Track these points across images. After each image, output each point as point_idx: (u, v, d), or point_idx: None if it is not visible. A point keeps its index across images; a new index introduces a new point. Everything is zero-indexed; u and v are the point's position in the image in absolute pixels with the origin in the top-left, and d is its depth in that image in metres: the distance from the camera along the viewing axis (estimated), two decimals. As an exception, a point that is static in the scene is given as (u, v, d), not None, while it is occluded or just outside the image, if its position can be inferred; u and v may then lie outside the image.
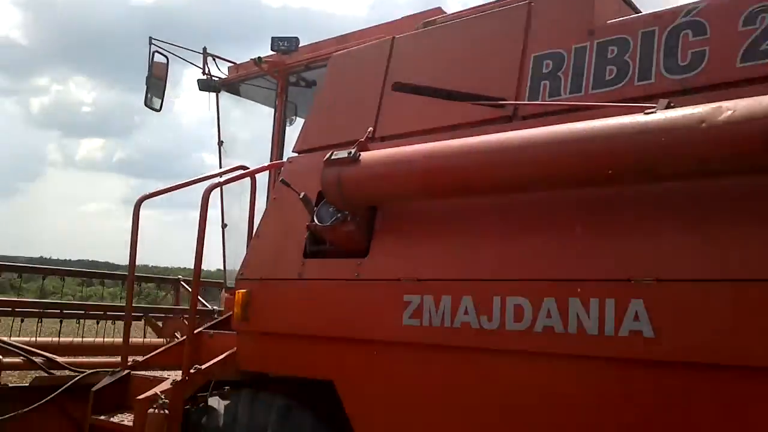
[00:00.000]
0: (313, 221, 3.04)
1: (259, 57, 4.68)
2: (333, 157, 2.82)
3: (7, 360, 4.05)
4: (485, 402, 2.52)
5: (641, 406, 2.16)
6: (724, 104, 1.91)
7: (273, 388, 3.45)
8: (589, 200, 2.34)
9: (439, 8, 4.52)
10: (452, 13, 4.08)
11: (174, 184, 4.02)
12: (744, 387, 1.98)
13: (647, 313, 2.14)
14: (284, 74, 4.88)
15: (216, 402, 3.17)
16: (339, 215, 2.95)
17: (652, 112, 2.05)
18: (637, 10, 2.89)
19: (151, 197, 3.93)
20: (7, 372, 4.19)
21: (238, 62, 5.22)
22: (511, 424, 2.45)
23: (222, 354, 3.46)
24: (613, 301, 2.20)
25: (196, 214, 3.41)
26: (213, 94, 5.14)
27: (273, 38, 4.52)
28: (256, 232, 3.54)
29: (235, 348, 3.43)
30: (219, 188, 4.62)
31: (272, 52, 4.69)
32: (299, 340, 3.14)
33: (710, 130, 1.88)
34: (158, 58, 4.73)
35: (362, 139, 2.88)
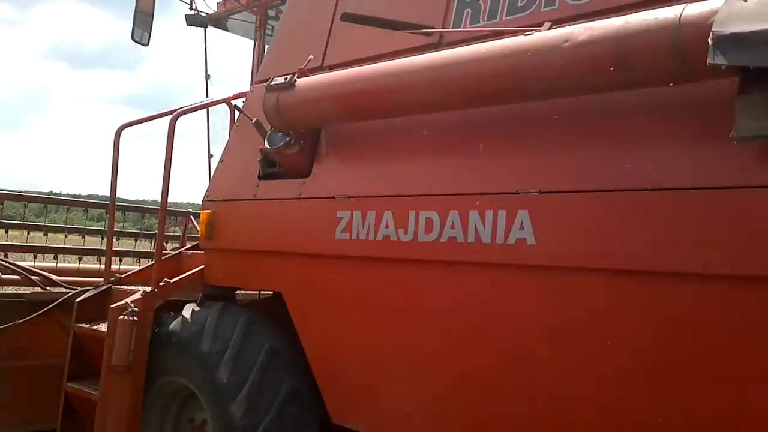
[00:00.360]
0: (266, 146, 3.28)
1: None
2: (273, 83, 3.03)
3: (6, 277, 4.46)
4: (406, 307, 2.77)
5: (528, 307, 2.39)
6: (588, 25, 2.06)
7: (242, 304, 3.77)
8: (486, 120, 2.52)
9: None
10: None
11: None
12: (610, 288, 2.18)
13: (531, 223, 2.34)
14: (263, 8, 5.04)
15: (188, 312, 3.49)
16: (286, 139, 3.18)
17: (529, 35, 2.20)
18: None
19: (132, 125, 4.19)
20: (8, 288, 4.59)
21: (225, -3, 5.40)
22: (427, 325, 2.70)
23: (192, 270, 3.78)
24: (504, 213, 2.41)
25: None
26: (199, 30, 5.34)
27: None
28: (221, 157, 3.80)
29: (203, 265, 3.74)
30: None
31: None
32: (254, 256, 3.43)
33: (573, 48, 2.04)
34: (142, -8, 4.94)
35: (302, 66, 3.08)
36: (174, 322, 3.50)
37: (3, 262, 4.46)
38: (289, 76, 2.99)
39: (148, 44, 5.07)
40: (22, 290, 4.53)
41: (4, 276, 4.47)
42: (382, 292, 2.85)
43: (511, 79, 2.22)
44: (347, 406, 2.98)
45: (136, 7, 4.96)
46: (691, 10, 1.85)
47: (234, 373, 3.14)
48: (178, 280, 3.69)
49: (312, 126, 3.09)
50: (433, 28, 2.90)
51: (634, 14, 1.98)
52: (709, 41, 1.71)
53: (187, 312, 3.49)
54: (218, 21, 5.42)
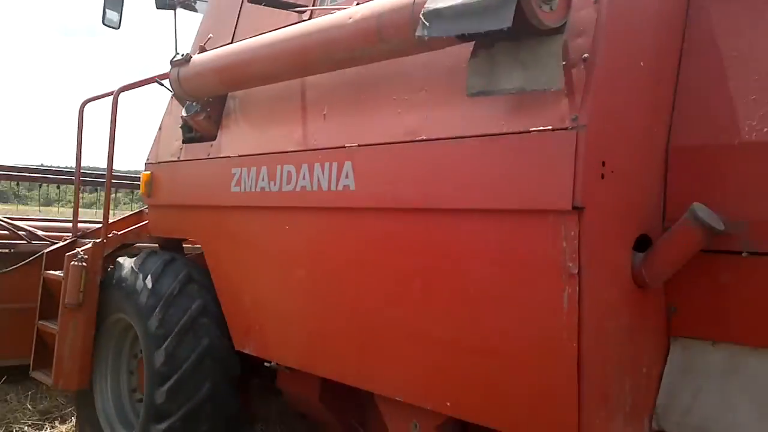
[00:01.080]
0: (183, 114, 3.80)
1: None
2: (174, 59, 3.54)
3: None
4: (277, 248, 3.27)
5: (353, 243, 2.85)
6: (363, 5, 2.48)
7: (190, 257, 4.31)
8: (323, 87, 2.97)
9: None
10: None
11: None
12: (406, 224, 2.62)
13: (353, 172, 2.79)
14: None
15: (123, 259, 4.08)
16: (197, 108, 3.69)
17: (333, 14, 2.63)
18: None
19: (95, 100, 4.76)
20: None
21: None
22: (290, 262, 3.18)
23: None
24: (336, 164, 2.86)
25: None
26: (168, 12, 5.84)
27: None
28: (159, 125, 4.34)
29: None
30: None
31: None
32: (179, 210, 3.99)
33: (353, 24, 2.47)
34: (113, -23, 5.47)
35: (202, 44, 3.58)
36: (124, 268, 4.09)
37: None
38: (186, 53, 3.49)
39: (119, 28, 5.63)
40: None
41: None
42: (262, 237, 3.36)
43: (320, 51, 2.66)
44: (243, 335, 3.51)
45: (104, -9, 5.50)
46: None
47: (161, 326, 3.67)
48: (124, 232, 4.29)
49: (207, 95, 3.59)
50: (305, 6, 3.35)
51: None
52: (420, 16, 2.12)
53: (137, 261, 4.06)
54: (187, 3, 5.91)
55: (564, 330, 2.08)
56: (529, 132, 2.14)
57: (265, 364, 3.39)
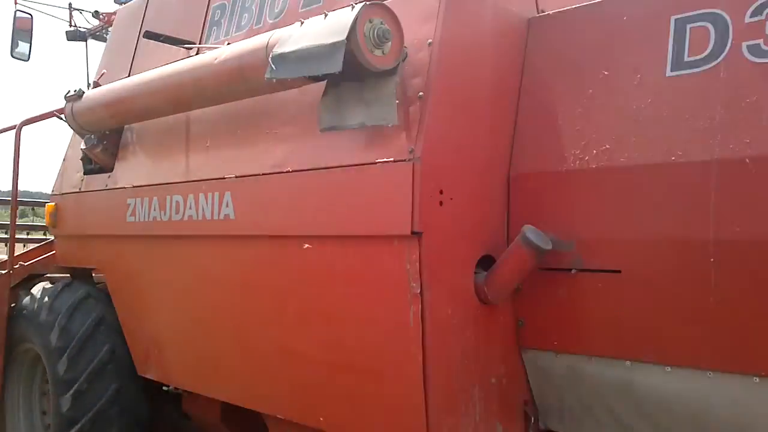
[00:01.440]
0: (82, 146, 3.89)
1: (96, 11, 5.43)
2: (67, 94, 3.63)
3: None
4: (169, 276, 3.39)
5: (234, 268, 2.99)
6: (228, 47, 2.64)
7: (86, 281, 4.37)
8: (206, 121, 3.12)
9: None
10: None
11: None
12: (276, 249, 2.77)
13: (232, 201, 2.93)
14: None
15: (36, 289, 4.12)
16: (94, 140, 3.78)
17: (206, 53, 2.79)
18: None
19: (33, 122, 4.69)
20: None
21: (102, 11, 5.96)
22: (182, 289, 3.30)
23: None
24: (218, 194, 3.00)
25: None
26: (81, 44, 5.91)
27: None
28: (63, 157, 4.40)
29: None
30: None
31: (116, 5, 5.43)
32: (81, 239, 4.06)
33: (218, 65, 2.63)
34: (21, 14, 5.53)
35: (96, 80, 3.68)
36: (27, 297, 4.13)
37: None
38: (79, 88, 3.60)
39: (28, 60, 5.67)
40: None
41: None
42: (155, 265, 3.47)
43: (193, 88, 2.81)
44: (144, 361, 3.61)
45: (13, 26, 5.55)
46: (276, 35, 2.43)
47: (61, 338, 3.76)
48: (31, 263, 4.33)
49: (99, 129, 3.69)
50: (194, 43, 3.49)
51: (252, 38, 2.56)
52: (269, 60, 2.29)
53: (36, 289, 4.11)
54: (98, 35, 5.99)
55: (411, 345, 2.27)
56: (374, 164, 2.33)
57: (163, 388, 3.49)
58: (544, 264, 2.40)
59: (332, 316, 2.54)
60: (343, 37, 2.09)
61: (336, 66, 2.10)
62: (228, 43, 2.81)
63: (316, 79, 2.36)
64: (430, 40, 2.33)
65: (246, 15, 3.23)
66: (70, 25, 5.88)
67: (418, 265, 2.24)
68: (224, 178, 2.97)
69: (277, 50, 2.28)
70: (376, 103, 2.27)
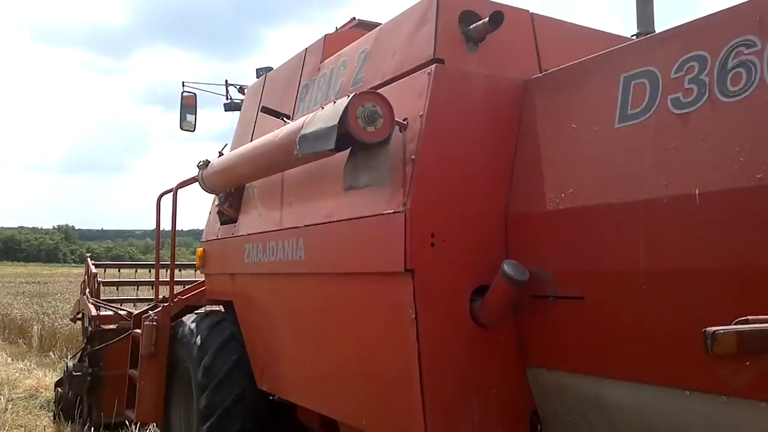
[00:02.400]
0: (216, 203, 4.89)
1: (241, 86, 6.51)
2: (199, 163, 4.63)
3: (102, 313, 6.52)
4: (273, 304, 4.19)
5: (307, 297, 3.71)
6: (287, 127, 3.39)
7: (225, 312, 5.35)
8: (289, 181, 3.90)
9: None
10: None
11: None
12: (331, 285, 3.44)
13: (303, 245, 3.66)
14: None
15: (186, 319, 5.18)
16: (222, 198, 4.75)
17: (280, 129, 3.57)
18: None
19: (185, 185, 5.89)
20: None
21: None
22: (282, 316, 4.08)
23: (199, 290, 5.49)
24: (294, 240, 3.75)
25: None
26: (237, 113, 7.07)
27: (257, 69, 6.29)
28: (209, 210, 5.45)
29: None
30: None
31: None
32: (220, 277, 5.03)
33: (282, 138, 3.38)
34: (187, 93, 6.79)
35: (220, 150, 4.65)
36: (183, 327, 5.19)
37: (101, 304, 6.55)
38: (206, 159, 4.58)
39: (194, 130, 6.92)
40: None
41: (102, 313, 6.53)
42: (262, 297, 4.30)
43: (263, 159, 3.60)
44: (260, 375, 4.43)
45: (181, 103, 6.83)
46: (307, 118, 3.12)
47: (200, 350, 4.70)
48: (186, 297, 5.41)
49: (220, 190, 4.62)
50: (290, 117, 4.32)
51: (297, 120, 3.28)
52: (296, 139, 3.00)
53: (187, 319, 5.15)
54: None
55: (410, 361, 2.80)
56: (381, 215, 2.92)
57: (269, 397, 4.28)
58: (535, 292, 2.81)
59: (357, 334, 3.16)
60: (335, 121, 2.74)
61: (330, 144, 2.75)
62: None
63: (338, 150, 3.01)
64: (421, 113, 2.89)
65: (319, 93, 3.99)
66: (227, 99, 7.09)
67: (412, 296, 2.78)
68: (297, 227, 3.72)
69: (302, 132, 2.99)
70: (375, 167, 2.88)
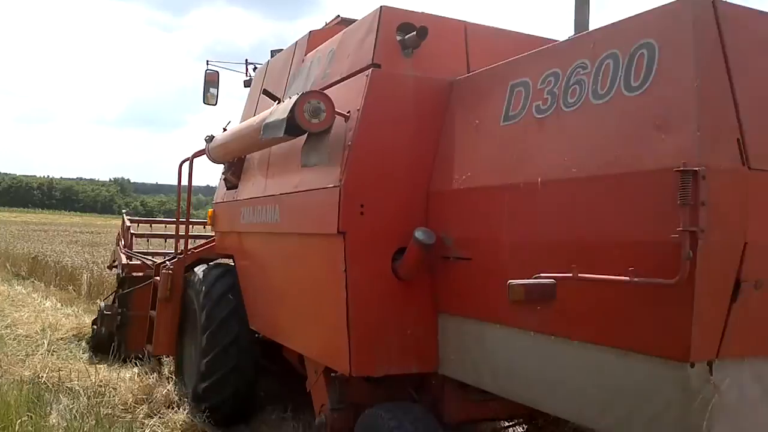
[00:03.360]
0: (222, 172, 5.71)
1: (256, 66, 7.25)
2: (206, 137, 5.44)
3: (132, 262, 7.47)
4: (259, 258, 5.00)
5: (281, 253, 4.50)
6: (262, 114, 4.14)
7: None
8: (271, 156, 4.67)
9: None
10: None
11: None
12: (302, 243, 4.21)
13: (279, 210, 4.44)
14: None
15: (197, 269, 6.04)
16: (225, 168, 5.56)
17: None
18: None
19: (198, 156, 6.75)
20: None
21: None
22: (263, 266, 4.89)
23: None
24: (272, 206, 4.53)
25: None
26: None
27: (271, 51, 7.01)
28: (220, 177, 6.28)
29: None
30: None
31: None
32: (225, 234, 5.87)
33: (257, 123, 4.14)
34: (210, 71, 7.57)
35: (224, 127, 5.45)
36: (194, 276, 6.06)
37: (131, 254, 7.50)
38: (211, 134, 5.38)
39: (216, 104, 7.70)
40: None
41: (131, 262, 7.48)
42: (253, 251, 5.12)
43: (249, 136, 4.37)
44: (251, 317, 5.27)
45: (205, 79, 7.61)
46: (272, 109, 3.86)
47: (205, 297, 5.56)
48: (197, 251, 6.28)
49: (223, 161, 5.43)
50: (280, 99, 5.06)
51: (268, 109, 4.04)
52: (261, 126, 3.75)
53: (198, 270, 6.00)
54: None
55: (341, 305, 3.56)
56: (325, 188, 3.67)
57: (256, 335, 5.12)
58: (444, 253, 3.52)
59: (310, 284, 3.94)
60: (285, 115, 3.48)
61: (280, 132, 3.50)
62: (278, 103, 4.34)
63: (290, 136, 3.75)
64: (359, 108, 3.59)
65: (301, 83, 4.72)
66: (246, 76, 7.83)
67: (344, 253, 3.53)
68: (275, 195, 4.49)
69: (265, 121, 3.74)
70: (321, 150, 3.61)
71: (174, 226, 7.16)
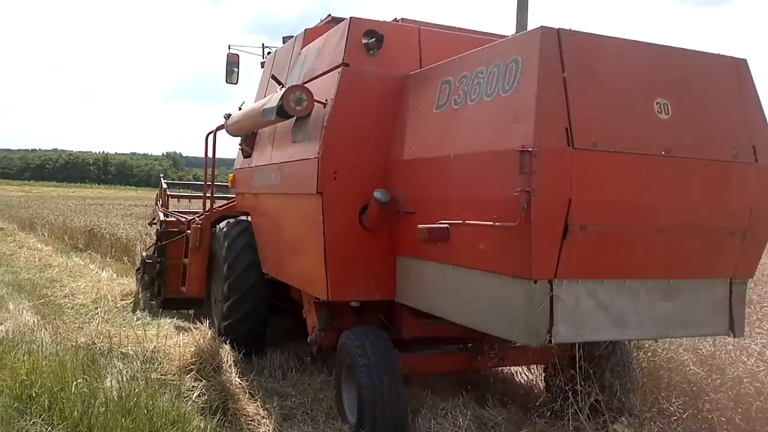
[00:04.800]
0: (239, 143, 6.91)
1: (270, 51, 8.35)
2: (225, 114, 6.62)
3: (168, 219, 8.76)
4: (268, 212, 6.20)
5: (279, 210, 5.69)
6: (262, 100, 5.29)
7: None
8: (275, 132, 5.83)
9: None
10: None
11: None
12: (293, 201, 5.39)
13: (279, 176, 5.61)
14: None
15: (223, 225, 7.28)
16: (241, 139, 6.75)
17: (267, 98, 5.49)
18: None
19: (219, 130, 7.97)
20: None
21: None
22: (272, 219, 6.09)
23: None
24: (275, 172, 5.70)
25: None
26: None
27: (283, 37, 8.09)
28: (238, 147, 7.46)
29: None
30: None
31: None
32: (243, 195, 7.09)
33: (259, 106, 5.29)
34: (231, 53, 8.68)
35: (240, 106, 6.61)
36: (218, 230, 7.30)
37: (168, 212, 8.79)
38: (228, 112, 6.56)
39: (237, 83, 8.82)
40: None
41: (168, 219, 8.76)
42: (263, 208, 6.33)
43: (254, 116, 5.52)
44: (263, 262, 6.49)
45: (227, 61, 8.72)
46: (270, 97, 5.00)
47: (227, 251, 6.80)
48: (221, 209, 7.52)
49: (240, 134, 6.61)
50: (283, 85, 6.19)
51: (268, 96, 5.18)
52: (261, 110, 4.91)
53: (223, 225, 7.24)
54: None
55: (320, 248, 4.74)
56: (307, 159, 4.82)
57: (265, 276, 6.36)
58: (398, 209, 4.65)
59: (298, 229, 5.13)
60: (275, 104, 4.62)
61: (272, 116, 4.66)
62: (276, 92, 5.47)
63: (281, 119, 4.89)
64: (332, 97, 4.71)
65: (297, 73, 5.83)
66: (263, 58, 8.93)
67: (321, 209, 4.68)
68: (276, 163, 5.66)
69: (264, 107, 4.88)
70: (304, 130, 4.76)
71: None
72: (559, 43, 3.46)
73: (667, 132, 3.65)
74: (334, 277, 4.75)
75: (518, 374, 6.37)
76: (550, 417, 4.89)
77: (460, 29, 5.55)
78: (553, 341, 3.47)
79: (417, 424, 4.69)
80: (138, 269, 9.19)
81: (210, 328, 6.85)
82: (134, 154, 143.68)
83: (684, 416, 4.99)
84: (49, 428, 4.23)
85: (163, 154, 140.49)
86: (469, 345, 5.18)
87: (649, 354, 5.69)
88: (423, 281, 4.46)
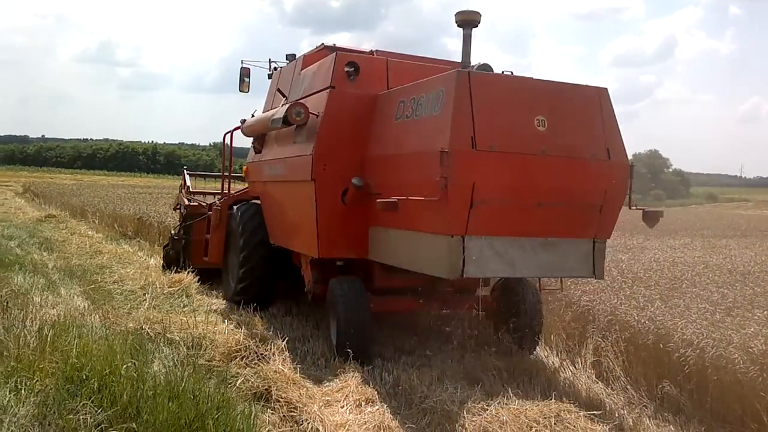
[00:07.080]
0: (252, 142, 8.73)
1: (275, 67, 10.12)
2: (242, 119, 8.44)
3: (191, 203, 10.56)
4: (275, 196, 8.02)
5: (283, 193, 7.51)
6: (270, 111, 7.11)
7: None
8: (279, 134, 7.65)
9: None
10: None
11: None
12: (293, 186, 7.21)
13: (283, 167, 7.42)
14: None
15: (238, 207, 9.08)
16: (254, 139, 8.57)
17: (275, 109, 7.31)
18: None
19: (235, 130, 9.76)
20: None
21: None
22: (279, 200, 7.90)
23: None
24: (281, 165, 7.51)
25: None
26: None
27: (287, 55, 9.86)
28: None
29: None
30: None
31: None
32: (255, 183, 8.91)
33: (268, 116, 7.10)
34: (244, 66, 10.43)
35: (252, 114, 8.43)
36: (235, 211, 9.11)
37: (193, 197, 10.63)
38: (244, 118, 8.39)
39: (248, 92, 10.56)
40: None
41: (191, 203, 10.57)
42: (271, 193, 8.15)
43: (265, 123, 7.34)
44: (271, 234, 8.29)
45: (240, 73, 10.47)
46: (277, 109, 6.83)
47: (243, 228, 8.61)
48: (237, 195, 9.35)
49: (253, 135, 8.42)
50: (287, 98, 7.99)
51: (276, 108, 7.00)
52: (270, 120, 6.73)
53: (238, 207, 9.05)
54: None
55: (313, 220, 6.56)
56: (303, 156, 6.63)
57: (272, 245, 8.17)
58: (370, 191, 6.45)
59: (297, 207, 6.96)
60: (281, 115, 6.44)
61: (279, 124, 6.48)
62: (282, 105, 7.27)
63: (285, 126, 6.70)
64: (322, 111, 6.52)
65: (298, 90, 7.64)
66: (270, 71, 10.70)
67: (314, 191, 6.50)
68: (282, 158, 7.47)
69: (272, 116, 6.70)
70: (302, 134, 6.59)
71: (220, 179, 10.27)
72: (468, 80, 5.27)
73: (543, 139, 5.46)
74: (323, 240, 6.57)
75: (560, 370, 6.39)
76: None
77: (421, 58, 7.38)
78: (464, 275, 5.29)
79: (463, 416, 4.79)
80: (166, 245, 11.02)
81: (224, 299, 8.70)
82: (182, 144, 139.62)
83: (734, 417, 5.02)
84: (99, 410, 4.30)
85: (209, 144, 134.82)
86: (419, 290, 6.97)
87: (698, 351, 5.46)
88: (385, 242, 6.29)
